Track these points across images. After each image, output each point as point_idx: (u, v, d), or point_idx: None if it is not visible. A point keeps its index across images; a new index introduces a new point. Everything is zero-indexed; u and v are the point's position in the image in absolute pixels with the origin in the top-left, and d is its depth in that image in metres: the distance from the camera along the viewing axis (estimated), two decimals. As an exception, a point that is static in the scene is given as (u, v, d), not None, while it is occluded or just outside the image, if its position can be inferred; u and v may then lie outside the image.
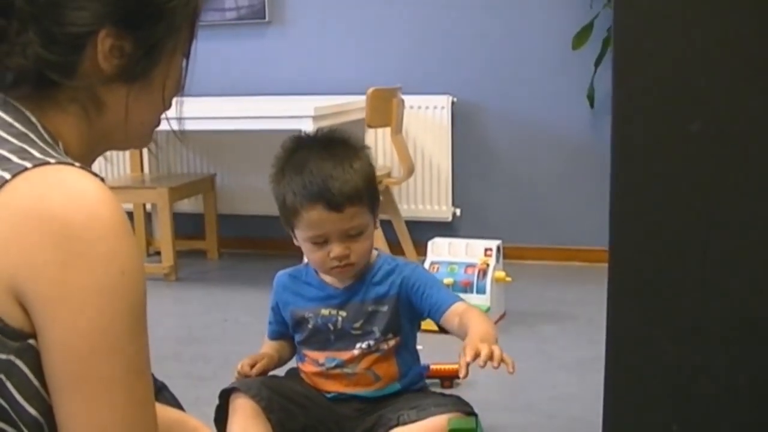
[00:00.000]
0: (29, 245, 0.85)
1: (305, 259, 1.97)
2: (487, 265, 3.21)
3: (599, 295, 1.31)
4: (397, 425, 1.82)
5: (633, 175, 1.24)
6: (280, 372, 2.04)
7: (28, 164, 0.88)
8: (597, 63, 3.83)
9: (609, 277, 1.27)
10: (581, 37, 3.88)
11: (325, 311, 1.90)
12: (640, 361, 1.28)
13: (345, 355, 1.89)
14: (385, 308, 1.88)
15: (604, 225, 1.27)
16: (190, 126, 3.86)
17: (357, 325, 1.88)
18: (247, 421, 1.83)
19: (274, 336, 2.03)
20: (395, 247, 3.81)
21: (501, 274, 3.22)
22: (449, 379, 2.53)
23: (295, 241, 1.89)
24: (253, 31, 4.47)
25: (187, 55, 1.06)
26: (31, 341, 0.87)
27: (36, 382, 0.88)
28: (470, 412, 1.81)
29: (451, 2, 4.20)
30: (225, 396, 1.90)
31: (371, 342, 1.88)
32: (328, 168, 1.78)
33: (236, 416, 1.85)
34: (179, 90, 1.07)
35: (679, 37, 1.19)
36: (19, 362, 0.87)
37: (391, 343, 1.90)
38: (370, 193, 1.83)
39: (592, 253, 3.92)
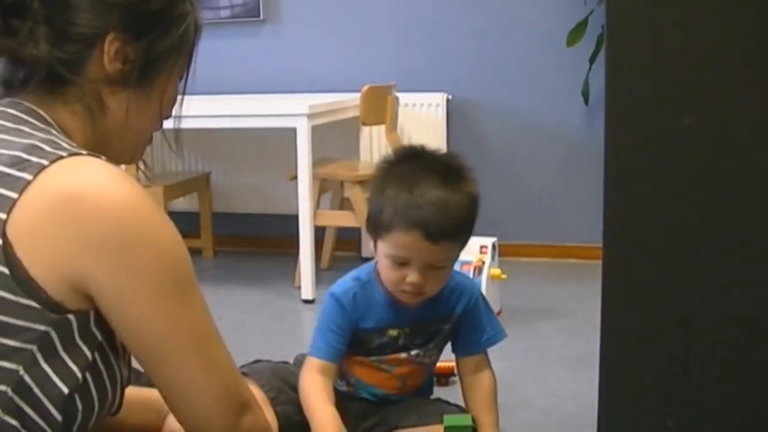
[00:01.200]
0: (78, 229, 0.92)
1: (363, 271, 1.87)
2: (483, 262, 3.21)
3: (595, 291, 1.31)
4: (396, 428, 1.82)
5: (626, 171, 1.24)
6: (288, 359, 2.02)
7: (62, 153, 0.95)
8: (591, 60, 3.84)
9: (603, 273, 1.27)
10: (576, 34, 3.88)
11: (392, 332, 1.83)
12: (634, 358, 1.28)
13: (390, 357, 1.85)
14: (447, 327, 1.85)
15: (600, 222, 1.27)
16: (184, 124, 3.84)
17: (418, 341, 1.84)
18: None
19: (337, 357, 1.81)
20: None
21: (496, 271, 3.22)
22: (445, 376, 2.53)
23: (371, 249, 1.82)
24: (247, 30, 4.47)
25: (184, 78, 1.16)
26: (70, 316, 0.94)
27: (64, 355, 0.95)
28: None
29: (445, -1, 4.20)
30: None
31: (421, 352, 1.85)
32: (439, 197, 1.69)
33: None
34: (172, 109, 1.17)
35: (672, 32, 1.19)
36: (54, 334, 0.93)
37: (433, 358, 1.89)
38: (468, 230, 1.76)
39: (587, 250, 3.93)
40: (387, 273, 1.76)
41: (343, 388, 1.88)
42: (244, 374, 1.85)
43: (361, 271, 1.87)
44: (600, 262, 1.28)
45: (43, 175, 0.92)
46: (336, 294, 1.82)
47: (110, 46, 1.03)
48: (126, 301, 0.94)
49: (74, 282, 0.93)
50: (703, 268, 1.22)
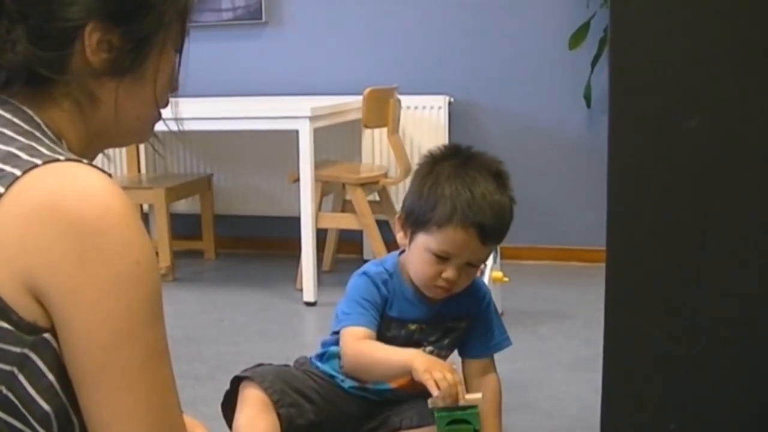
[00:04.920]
0: (44, 240, 0.86)
1: (387, 263, 1.86)
2: (485, 265, 3.20)
3: (596, 294, 1.31)
4: (399, 428, 1.82)
5: (630, 174, 1.24)
6: (290, 360, 2.01)
7: (37, 161, 0.89)
8: (593, 63, 3.84)
9: (606, 275, 1.27)
10: (578, 37, 3.89)
11: (412, 326, 1.84)
12: (637, 360, 1.28)
13: None
14: (462, 325, 1.87)
15: (602, 224, 1.27)
16: (186, 126, 3.84)
17: (433, 338, 1.86)
18: (255, 414, 1.80)
19: (375, 328, 1.80)
20: (392, 247, 3.80)
21: (498, 274, 3.22)
22: (447, 378, 2.53)
23: (400, 239, 1.81)
24: (249, 32, 4.47)
25: (180, 52, 1.07)
26: (46, 335, 0.88)
27: (50, 377, 0.89)
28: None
29: (447, 2, 4.20)
30: (236, 382, 1.89)
31: (435, 349, 1.86)
32: (497, 201, 1.73)
33: (245, 407, 1.82)
34: (173, 86, 1.09)
35: (676, 35, 1.19)
36: (33, 356, 0.88)
37: (446, 358, 1.89)
38: (507, 232, 1.82)
39: (589, 253, 3.93)
40: (423, 267, 1.76)
41: (349, 383, 1.88)
42: (247, 378, 1.85)
43: (385, 262, 1.87)
44: (603, 264, 1.28)
45: (16, 188, 0.87)
46: (369, 273, 1.83)
47: (91, 37, 0.95)
48: (77, 317, 0.87)
49: (37, 297, 0.87)
50: (706, 271, 1.22)
